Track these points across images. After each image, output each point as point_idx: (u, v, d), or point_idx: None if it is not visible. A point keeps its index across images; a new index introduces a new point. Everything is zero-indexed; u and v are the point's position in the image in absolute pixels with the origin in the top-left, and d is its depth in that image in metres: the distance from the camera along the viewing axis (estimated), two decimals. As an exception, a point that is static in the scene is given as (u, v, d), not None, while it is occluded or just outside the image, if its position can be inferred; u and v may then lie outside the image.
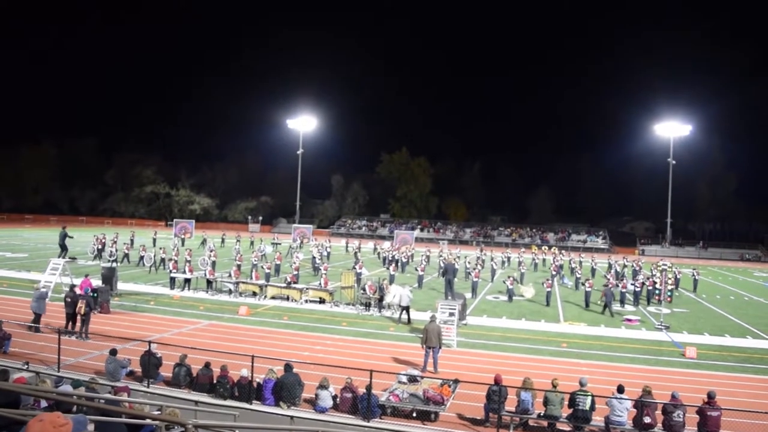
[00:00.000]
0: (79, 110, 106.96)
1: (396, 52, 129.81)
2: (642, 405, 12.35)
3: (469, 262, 41.65)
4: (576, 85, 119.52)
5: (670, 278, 31.62)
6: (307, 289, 28.39)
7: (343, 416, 13.28)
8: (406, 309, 24.14)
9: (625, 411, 12.64)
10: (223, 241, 57.35)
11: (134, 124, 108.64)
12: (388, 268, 36.60)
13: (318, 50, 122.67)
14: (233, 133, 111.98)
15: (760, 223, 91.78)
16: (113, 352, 14.83)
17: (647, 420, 12.31)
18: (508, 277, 32.75)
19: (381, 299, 26.30)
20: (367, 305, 26.53)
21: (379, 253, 52.10)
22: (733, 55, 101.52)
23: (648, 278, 34.01)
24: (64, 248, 28.08)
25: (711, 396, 12.53)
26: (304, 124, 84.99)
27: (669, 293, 30.94)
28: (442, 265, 38.15)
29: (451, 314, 21.08)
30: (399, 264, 41.80)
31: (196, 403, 12.98)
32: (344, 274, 29.17)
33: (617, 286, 31.00)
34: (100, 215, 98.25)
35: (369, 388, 13.04)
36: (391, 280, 32.13)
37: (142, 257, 37.35)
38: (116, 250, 39.47)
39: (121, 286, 28.41)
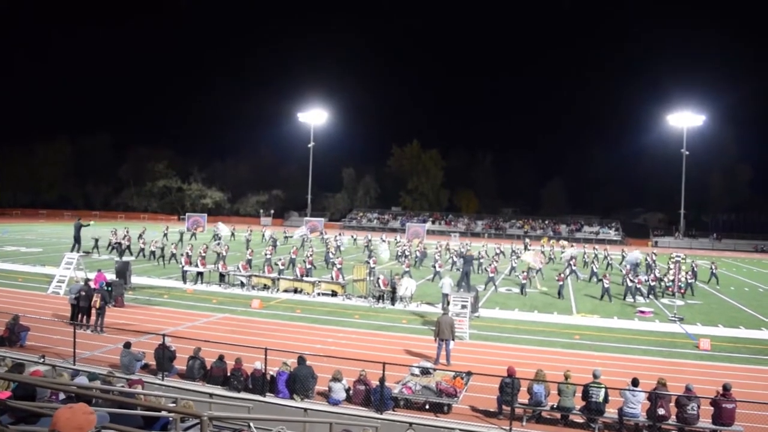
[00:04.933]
0: (93, 106, 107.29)
1: (407, 44, 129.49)
2: (656, 397, 12.30)
3: (484, 256, 41.51)
4: (588, 76, 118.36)
5: (683, 270, 31.41)
6: (319, 282, 28.48)
7: (356, 408, 13.33)
8: (446, 296, 24.42)
9: (638, 403, 12.60)
10: (233, 234, 57.51)
11: (146, 120, 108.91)
12: (402, 263, 36.35)
13: (329, 44, 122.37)
14: (244, 127, 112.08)
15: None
16: (127, 345, 14.96)
17: (661, 412, 12.26)
18: (522, 271, 32.68)
19: (393, 292, 26.37)
20: (380, 298, 26.58)
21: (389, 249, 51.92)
22: (746, 44, 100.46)
23: (666, 273, 33.60)
24: (78, 240, 28.32)
25: (726, 388, 12.46)
26: (315, 117, 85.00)
27: (682, 285, 30.73)
28: (455, 259, 38.11)
29: (464, 306, 21.09)
30: (413, 258, 41.30)
31: (211, 395, 13.07)
32: (356, 267, 29.23)
33: (633, 281, 30.82)
34: (114, 210, 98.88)
35: (382, 380, 13.07)
36: (404, 274, 32.10)
37: (153, 252, 37.51)
38: (129, 245, 39.80)
39: (134, 280, 28.56)
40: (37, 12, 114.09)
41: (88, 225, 29.31)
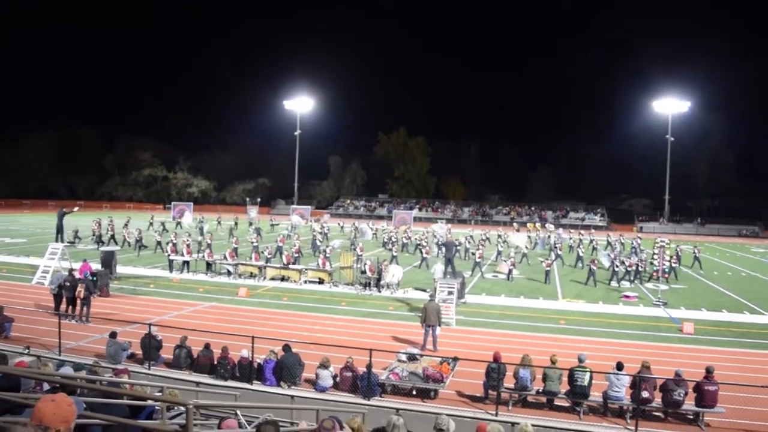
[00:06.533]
0: (78, 95, 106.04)
1: (394, 31, 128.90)
2: (640, 380, 12.44)
3: (470, 241, 41.63)
4: (574, 63, 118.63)
5: (669, 255, 31.69)
6: (306, 269, 28.48)
7: (343, 395, 13.39)
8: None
9: (623, 387, 12.74)
10: (219, 223, 57.25)
11: (131, 109, 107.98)
12: (390, 249, 36.34)
13: (315, 31, 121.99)
14: (231, 116, 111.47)
15: (759, 198, 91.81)
16: (113, 335, 14.89)
17: (645, 395, 12.40)
18: (509, 256, 32.85)
19: (380, 279, 26.47)
20: (366, 285, 26.63)
21: (375, 234, 52.11)
22: (731, 31, 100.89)
23: (651, 258, 33.83)
24: (60, 230, 28.12)
25: (709, 371, 12.63)
26: (301, 105, 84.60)
27: (666, 270, 31.03)
28: (439, 243, 38.17)
29: (450, 293, 21.15)
30: (400, 245, 41.33)
31: (197, 384, 13.06)
32: (343, 255, 29.25)
33: (623, 263, 31.12)
34: (98, 200, 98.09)
35: (369, 366, 13.13)
36: (392, 260, 32.14)
37: (138, 240, 37.05)
38: (113, 234, 39.58)
39: (120, 269, 28.44)
40: (20, 3, 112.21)
41: (71, 212, 29.08)
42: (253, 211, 64.39)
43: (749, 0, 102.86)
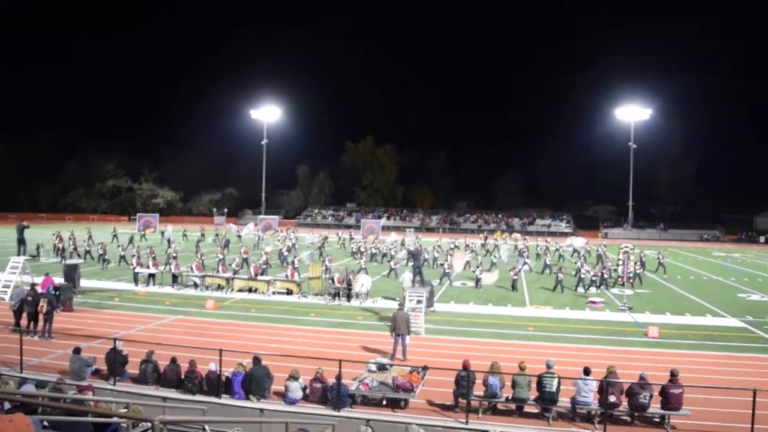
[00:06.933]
0: (39, 104, 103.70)
1: (359, 40, 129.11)
2: (607, 385, 12.60)
3: (438, 250, 41.83)
4: (539, 71, 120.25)
5: (633, 261, 32.19)
6: (274, 280, 28.28)
7: (313, 407, 13.30)
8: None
9: (590, 392, 12.88)
10: (184, 235, 56.65)
11: (95, 118, 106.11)
12: (359, 261, 36.25)
13: (281, 39, 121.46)
14: (197, 125, 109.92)
15: (719, 204, 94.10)
16: (77, 350, 14.59)
17: (612, 399, 12.57)
18: (477, 265, 33.06)
19: (349, 289, 26.40)
20: (335, 295, 26.55)
21: (343, 244, 52.10)
22: (692, 39, 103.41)
23: (616, 264, 34.26)
24: (22, 242, 27.51)
25: (674, 374, 12.84)
26: (268, 114, 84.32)
27: (631, 275, 31.50)
28: (408, 252, 38.31)
29: (419, 301, 21.19)
30: (369, 255, 41.43)
31: (164, 399, 12.86)
32: (312, 265, 29.12)
33: (589, 271, 31.52)
34: (61, 211, 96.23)
35: (338, 377, 13.06)
36: (360, 270, 32.09)
37: (101, 254, 36.36)
38: (75, 247, 38.85)
39: (84, 283, 27.91)
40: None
41: (28, 227, 28.48)
42: (220, 222, 64.12)
43: (708, 9, 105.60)
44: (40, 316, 18.91)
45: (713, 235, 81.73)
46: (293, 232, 55.05)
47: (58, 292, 22.04)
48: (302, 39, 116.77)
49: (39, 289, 20.16)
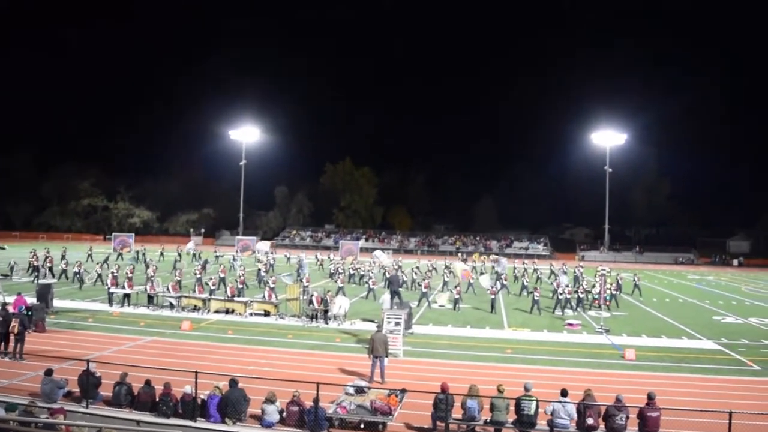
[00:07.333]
0: (13, 121, 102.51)
1: (339, 61, 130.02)
2: (584, 407, 12.60)
3: (416, 272, 41.86)
4: (515, 96, 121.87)
5: (609, 283, 32.47)
6: (251, 302, 28.03)
7: (290, 430, 13.13)
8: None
9: (568, 415, 12.88)
10: (162, 255, 56.08)
11: (71, 136, 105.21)
12: (336, 281, 36.10)
13: (259, 60, 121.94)
14: (174, 145, 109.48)
15: (693, 227, 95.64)
16: (49, 372, 14.28)
17: (590, 421, 12.57)
18: (455, 286, 33.10)
19: (326, 311, 26.24)
20: (313, 317, 26.36)
21: (322, 265, 51.95)
22: (665, 65, 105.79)
23: (593, 286, 34.54)
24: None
25: (651, 397, 12.88)
26: (246, 134, 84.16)
27: (608, 297, 31.74)
28: (385, 275, 38.30)
29: (397, 324, 21.12)
30: (347, 276, 41.32)
31: (138, 422, 12.64)
32: (289, 287, 28.93)
33: (567, 286, 31.78)
34: (35, 230, 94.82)
35: (316, 400, 12.93)
36: (338, 291, 31.94)
37: (77, 272, 35.85)
38: (51, 266, 38.19)
39: (57, 303, 27.44)
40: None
41: (3, 248, 27.98)
42: (193, 243, 63.40)
43: (682, 35, 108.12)
44: (11, 337, 18.52)
45: (688, 258, 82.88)
46: (271, 252, 54.66)
47: (30, 312, 21.66)
48: (281, 60, 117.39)
49: (11, 309, 19.77)
